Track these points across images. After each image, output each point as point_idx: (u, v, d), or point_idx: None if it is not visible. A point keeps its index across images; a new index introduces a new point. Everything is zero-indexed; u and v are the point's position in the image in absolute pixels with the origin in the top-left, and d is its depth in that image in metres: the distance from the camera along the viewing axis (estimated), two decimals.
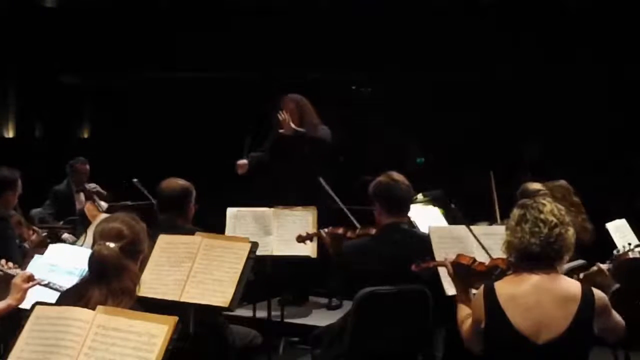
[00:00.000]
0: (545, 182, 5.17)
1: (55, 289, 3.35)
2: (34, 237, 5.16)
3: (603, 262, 4.06)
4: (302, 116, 6.19)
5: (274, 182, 6.31)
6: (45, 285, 3.37)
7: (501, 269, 3.35)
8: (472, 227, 4.12)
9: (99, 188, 7.30)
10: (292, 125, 6.07)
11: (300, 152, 6.12)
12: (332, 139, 6.21)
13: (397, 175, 4.18)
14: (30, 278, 3.32)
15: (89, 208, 6.96)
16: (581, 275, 3.79)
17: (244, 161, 6.33)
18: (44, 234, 5.35)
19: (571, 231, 2.94)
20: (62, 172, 7.48)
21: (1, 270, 3.46)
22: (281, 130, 6.12)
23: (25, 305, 3.09)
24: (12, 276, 3.36)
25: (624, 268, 4.09)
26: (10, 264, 3.51)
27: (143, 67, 9.85)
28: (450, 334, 4.05)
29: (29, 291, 3.31)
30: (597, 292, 2.90)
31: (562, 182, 5.18)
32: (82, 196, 7.28)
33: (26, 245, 4.98)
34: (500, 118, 8.56)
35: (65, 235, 5.87)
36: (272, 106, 6.36)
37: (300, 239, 4.67)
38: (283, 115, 6.09)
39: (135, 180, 6.07)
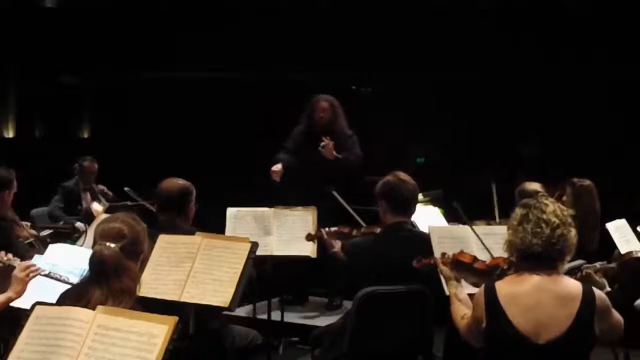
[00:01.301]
0: (572, 180, 5.18)
1: (56, 279, 3.35)
2: (24, 234, 5.18)
3: (604, 261, 4.05)
4: (336, 119, 6.13)
5: (290, 182, 6.27)
6: (46, 275, 3.37)
7: (502, 269, 3.35)
8: (473, 226, 4.13)
9: (106, 190, 7.33)
10: (334, 152, 5.97)
11: (330, 172, 6.02)
12: (361, 156, 6.14)
13: (404, 176, 4.19)
14: (29, 268, 3.31)
15: (95, 208, 6.95)
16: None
17: (279, 166, 6.12)
18: (46, 232, 5.36)
19: (573, 232, 2.94)
20: (62, 172, 7.48)
21: (1, 262, 3.46)
22: (321, 149, 5.98)
23: (26, 305, 3.09)
24: (13, 267, 3.36)
25: (629, 268, 4.08)
26: (10, 255, 3.50)
27: (143, 67, 9.85)
28: (450, 334, 4.05)
29: (30, 289, 3.31)
30: (598, 292, 2.90)
31: (589, 182, 5.15)
32: (88, 196, 7.30)
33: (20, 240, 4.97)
34: (500, 118, 8.56)
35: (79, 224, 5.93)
36: (300, 108, 6.30)
37: (310, 238, 4.69)
38: (327, 141, 5.96)
39: (127, 189, 6.07)
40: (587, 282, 3.71)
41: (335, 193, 5.40)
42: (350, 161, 6.06)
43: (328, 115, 6.11)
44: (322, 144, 5.96)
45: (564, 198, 5.30)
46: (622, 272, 3.99)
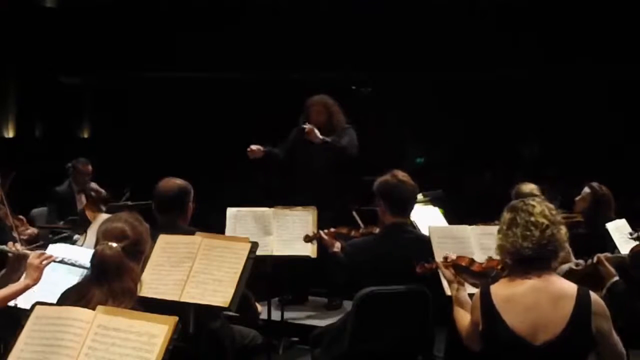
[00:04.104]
0: (591, 184, 5.18)
1: (71, 264, 3.35)
2: (28, 231, 5.17)
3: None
4: (331, 117, 6.14)
5: (292, 184, 6.27)
6: (60, 262, 3.37)
7: (497, 270, 3.35)
8: (472, 226, 4.13)
9: (97, 187, 7.26)
10: (319, 136, 5.97)
11: (323, 158, 6.04)
12: (356, 145, 6.13)
13: (402, 175, 4.18)
14: (43, 255, 3.31)
15: (88, 211, 6.89)
16: (582, 265, 3.78)
17: (258, 146, 6.15)
18: (39, 231, 5.36)
19: (563, 230, 2.92)
20: (62, 172, 7.46)
21: (10, 252, 3.46)
22: (306, 135, 5.97)
23: (25, 305, 3.09)
24: (24, 255, 3.36)
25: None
26: (19, 245, 3.50)
27: (143, 67, 9.86)
28: (451, 334, 4.05)
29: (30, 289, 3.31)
30: (594, 296, 2.88)
31: (607, 190, 5.16)
32: (83, 198, 7.24)
33: (15, 234, 4.96)
34: (500, 118, 8.57)
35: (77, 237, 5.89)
36: (300, 108, 6.31)
37: (308, 239, 4.69)
38: (309, 126, 5.98)
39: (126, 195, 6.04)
40: (598, 268, 3.70)
41: (355, 214, 5.43)
42: (341, 145, 6.04)
43: (323, 117, 6.13)
44: (306, 129, 5.97)
45: (576, 199, 5.31)
46: (632, 263, 3.94)
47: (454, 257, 3.44)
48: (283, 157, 6.27)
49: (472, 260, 3.43)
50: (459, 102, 8.71)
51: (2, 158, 7.75)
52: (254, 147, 6.15)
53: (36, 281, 3.27)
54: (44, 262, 3.29)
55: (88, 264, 3.24)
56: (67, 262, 3.38)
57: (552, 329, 2.80)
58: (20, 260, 3.38)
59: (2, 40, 9.35)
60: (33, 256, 3.31)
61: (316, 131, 5.99)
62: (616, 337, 2.91)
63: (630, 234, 4.20)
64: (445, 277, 3.44)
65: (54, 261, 3.35)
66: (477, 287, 3.35)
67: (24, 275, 3.32)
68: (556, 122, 8.40)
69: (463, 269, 3.38)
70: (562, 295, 2.83)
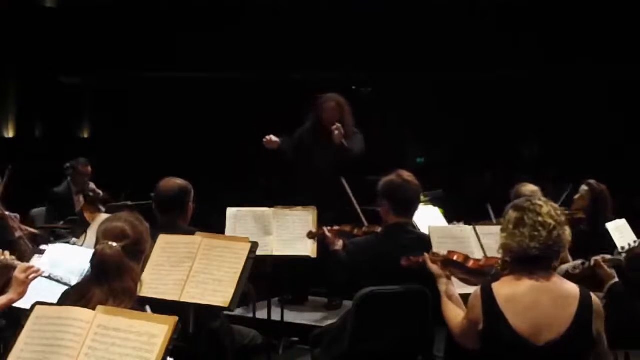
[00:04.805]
0: (588, 181, 5.19)
1: (57, 281, 3.34)
2: (25, 233, 5.16)
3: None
4: (343, 117, 6.13)
5: (292, 184, 6.26)
6: (47, 277, 3.35)
7: (497, 269, 3.34)
8: (474, 226, 4.14)
9: (95, 187, 7.23)
10: (342, 138, 5.94)
11: (327, 159, 6.04)
12: (363, 154, 6.12)
13: (407, 175, 4.17)
14: (30, 269, 3.29)
15: (85, 212, 6.87)
16: (579, 269, 3.78)
17: (276, 138, 6.07)
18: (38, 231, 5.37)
19: (568, 231, 2.92)
20: (62, 172, 7.46)
21: None
22: (334, 129, 5.92)
23: (25, 305, 3.08)
24: (12, 266, 3.34)
25: (637, 261, 4.04)
26: (7, 253, 3.48)
27: (143, 67, 9.86)
28: (451, 334, 4.05)
29: (30, 290, 3.30)
30: (594, 297, 2.89)
31: (605, 187, 5.18)
32: (81, 199, 7.21)
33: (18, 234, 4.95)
34: (500, 118, 8.57)
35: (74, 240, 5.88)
36: (310, 105, 6.30)
37: (311, 235, 4.69)
38: (338, 125, 5.94)
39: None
40: (596, 271, 3.70)
41: (344, 181, 5.40)
42: (353, 152, 6.05)
43: (336, 115, 6.11)
44: (335, 127, 5.96)
45: (575, 197, 5.32)
46: (629, 266, 3.94)
47: (444, 253, 3.45)
48: (292, 156, 6.23)
49: (467, 257, 3.43)
50: (459, 102, 8.71)
51: (2, 158, 7.74)
52: (273, 138, 6.10)
53: (21, 296, 3.22)
54: (30, 277, 3.24)
55: (73, 282, 3.25)
56: (53, 278, 3.35)
57: (556, 328, 2.79)
58: (8, 269, 3.35)
59: (2, 40, 9.36)
60: (19, 270, 3.26)
61: (342, 134, 5.96)
62: (606, 345, 2.92)
63: (622, 249, 4.19)
64: (432, 271, 3.44)
65: (41, 276, 3.32)
66: (468, 283, 3.36)
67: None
68: (556, 122, 8.40)
69: (456, 265, 3.38)
70: (566, 295, 2.84)
